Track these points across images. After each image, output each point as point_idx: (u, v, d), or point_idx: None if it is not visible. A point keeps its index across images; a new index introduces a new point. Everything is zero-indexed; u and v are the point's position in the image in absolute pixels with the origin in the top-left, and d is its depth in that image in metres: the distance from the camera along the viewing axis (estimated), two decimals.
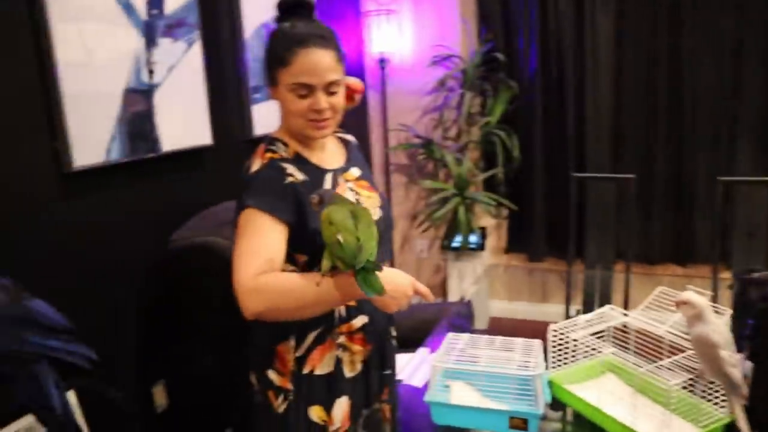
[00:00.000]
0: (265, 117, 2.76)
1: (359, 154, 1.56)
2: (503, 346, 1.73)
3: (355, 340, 1.43)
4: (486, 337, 1.79)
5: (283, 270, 1.31)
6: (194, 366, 2.21)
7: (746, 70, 3.17)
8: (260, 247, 1.26)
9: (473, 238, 3.60)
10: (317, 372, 1.40)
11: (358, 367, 1.44)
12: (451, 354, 1.71)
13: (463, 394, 1.60)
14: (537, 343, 1.72)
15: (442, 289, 3.88)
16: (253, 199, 1.29)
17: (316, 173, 1.39)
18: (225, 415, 2.16)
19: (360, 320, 1.42)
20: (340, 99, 1.34)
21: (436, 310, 2.93)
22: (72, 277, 1.92)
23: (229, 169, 2.50)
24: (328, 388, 1.40)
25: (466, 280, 3.69)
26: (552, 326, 1.66)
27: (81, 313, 1.93)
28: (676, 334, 1.48)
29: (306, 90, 1.30)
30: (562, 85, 3.46)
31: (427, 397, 1.57)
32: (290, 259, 1.34)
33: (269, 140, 1.42)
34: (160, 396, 2.28)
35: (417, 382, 1.85)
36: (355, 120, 3.64)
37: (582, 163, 3.48)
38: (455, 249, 3.61)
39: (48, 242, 1.84)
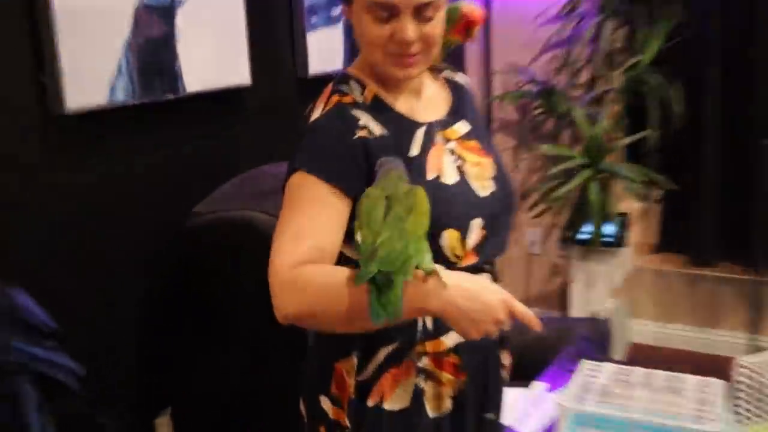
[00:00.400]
0: (326, 48, 2.76)
1: (472, 103, 1.57)
2: (667, 384, 1.69)
3: (444, 366, 1.44)
4: (640, 370, 1.75)
5: (337, 263, 1.32)
6: (219, 389, 2.25)
7: None
8: (308, 228, 1.29)
9: (609, 229, 3.58)
10: (387, 406, 1.42)
11: (447, 404, 1.45)
12: (588, 392, 1.68)
13: None
14: (717, 384, 1.67)
15: (561, 300, 3.89)
16: (307, 160, 1.33)
17: (402, 126, 1.42)
18: None
19: (452, 337, 1.43)
20: (436, 28, 1.34)
21: (556, 330, 2.91)
22: (58, 262, 1.97)
23: (274, 118, 2.54)
24: (400, 426, 1.42)
25: (596, 288, 3.67)
26: (741, 361, 1.63)
27: (68, 311, 1.97)
28: None
29: (387, 12, 1.31)
30: (754, 8, 3.31)
31: None
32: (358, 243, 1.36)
33: (340, 78, 1.46)
34: (164, 430, 2.33)
35: (528, 429, 1.87)
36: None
37: None
38: (582, 244, 3.61)
39: (27, 212, 1.89)
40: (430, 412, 1.44)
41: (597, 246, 3.57)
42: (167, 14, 2.17)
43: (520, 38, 3.73)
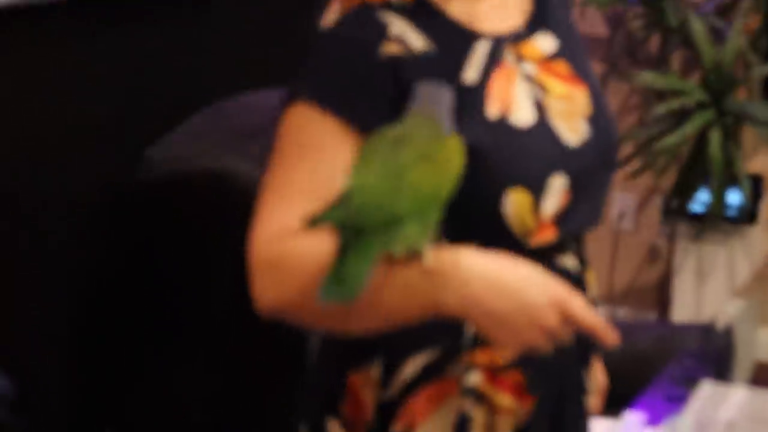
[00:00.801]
0: None
1: (563, 8, 1.57)
2: None
3: (502, 385, 1.45)
4: None
5: None
6: (179, 408, 2.29)
7: None
8: (307, 184, 1.32)
9: (735, 198, 3.62)
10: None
11: None
12: (707, 429, 1.74)
13: None
14: None
15: (660, 297, 3.94)
16: (312, 87, 1.36)
17: (456, 38, 1.42)
18: None
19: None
20: None
21: (652, 339, 2.94)
22: None
23: (266, 19, 2.52)
24: None
25: (712, 281, 3.71)
26: None
27: None
28: None
29: None
30: None
31: None
32: None
33: None
34: None
35: None
36: None
37: None
38: (695, 218, 3.68)
39: None
40: None
41: (717, 221, 3.60)
42: None
43: None
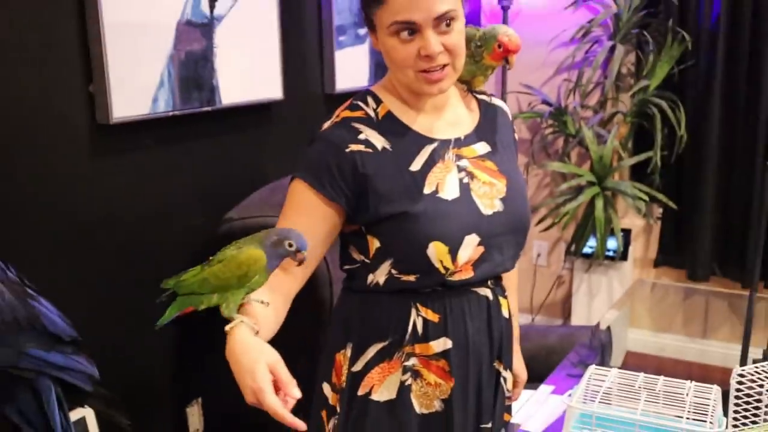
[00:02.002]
0: (352, 66, 2.77)
1: (505, 127, 1.52)
2: (667, 389, 1.67)
3: (432, 368, 1.43)
4: (643, 375, 1.73)
5: (344, 262, 1.46)
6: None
7: None
8: (293, 226, 1.32)
9: (612, 244, 3.56)
10: (374, 397, 1.43)
11: (436, 405, 1.44)
12: (594, 395, 1.66)
13: None
14: (715, 389, 1.66)
15: (564, 309, 3.87)
16: (302, 168, 1.36)
17: (409, 142, 1.39)
18: None
19: (441, 343, 1.42)
20: (457, 37, 1.31)
21: (558, 336, 2.92)
22: (95, 262, 1.98)
23: (302, 131, 2.54)
24: (388, 419, 1.42)
25: (598, 299, 3.66)
26: (738, 370, 1.60)
27: (105, 311, 2.00)
28: None
29: (409, 30, 1.29)
30: (758, 37, 3.30)
31: None
32: (361, 245, 1.40)
33: (360, 94, 1.45)
34: (195, 418, 2.34)
35: (534, 427, 1.86)
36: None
37: None
38: (586, 257, 3.60)
39: (72, 215, 1.91)
40: (418, 408, 1.43)
41: (600, 259, 3.55)
42: (207, 30, 2.18)
43: (534, 61, 3.72)
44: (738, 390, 1.61)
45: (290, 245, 1.22)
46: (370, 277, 1.42)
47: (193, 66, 2.15)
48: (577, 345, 2.66)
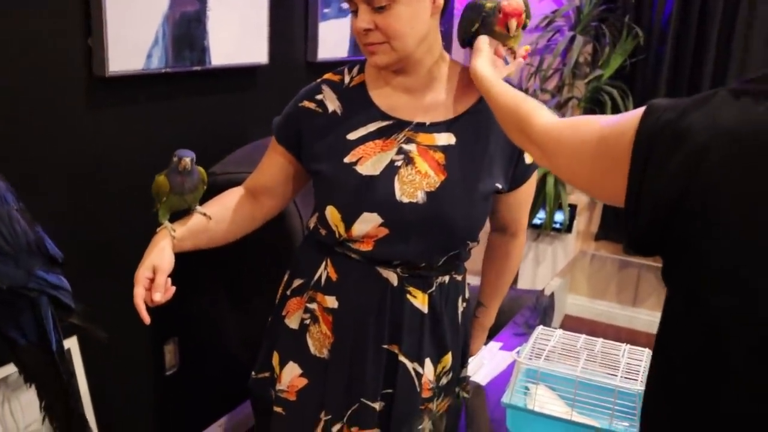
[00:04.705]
0: (334, 37, 2.73)
1: (488, 128, 1.38)
2: (604, 350, 1.71)
3: (324, 319, 1.44)
4: (584, 337, 1.77)
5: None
6: (216, 322, 2.26)
7: None
8: (258, 168, 1.50)
9: (559, 217, 3.59)
10: (287, 321, 1.48)
11: (324, 352, 1.44)
12: (540, 352, 1.70)
13: (548, 401, 1.60)
14: (644, 351, 1.70)
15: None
16: (276, 119, 1.48)
17: (363, 113, 1.37)
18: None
19: (332, 300, 1.42)
20: (394, 20, 1.26)
21: (507, 299, 2.94)
22: (86, 202, 1.95)
23: (284, 95, 2.45)
24: (292, 342, 1.46)
25: (543, 266, 3.70)
26: None
27: (94, 249, 1.98)
28: None
29: (353, 6, 1.29)
30: (703, 40, 3.33)
31: (506, 399, 1.56)
32: None
33: (354, 62, 1.46)
34: (171, 356, 2.34)
35: (481, 378, 1.87)
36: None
37: None
38: (535, 227, 3.62)
39: (65, 158, 1.87)
40: (312, 349, 1.44)
41: (548, 230, 3.59)
42: None
43: None
44: None
45: (175, 158, 1.32)
46: (309, 221, 1.50)
47: (186, 26, 2.09)
48: (523, 307, 2.70)
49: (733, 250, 0.76)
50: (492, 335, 2.15)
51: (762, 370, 0.75)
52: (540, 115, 1.11)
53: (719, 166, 0.76)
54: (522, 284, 3.71)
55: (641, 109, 0.87)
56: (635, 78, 3.51)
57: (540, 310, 2.84)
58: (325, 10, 2.67)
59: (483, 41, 1.35)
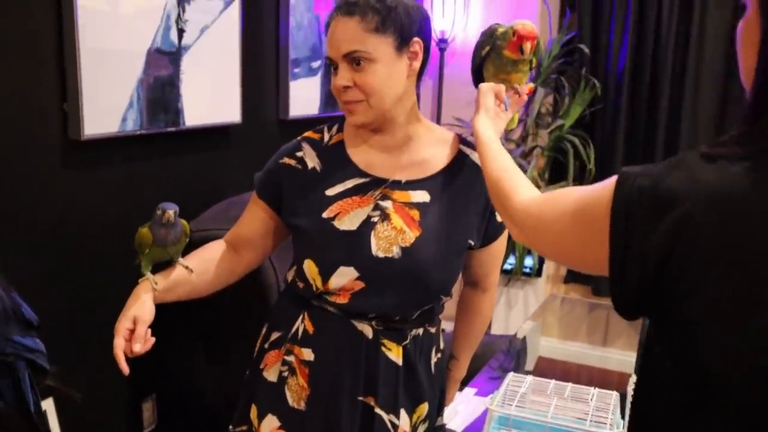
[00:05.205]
0: (305, 95, 2.78)
1: (472, 187, 1.41)
2: (574, 395, 1.72)
3: (301, 371, 1.43)
4: (554, 382, 1.78)
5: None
6: (194, 378, 2.23)
7: None
8: (239, 222, 1.51)
9: (529, 262, 3.60)
10: (265, 374, 1.47)
11: (302, 404, 1.43)
12: (511, 399, 1.71)
13: None
14: (614, 395, 1.72)
15: None
16: (258, 174, 1.49)
17: (341, 170, 1.40)
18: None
19: (307, 353, 1.42)
20: (371, 78, 1.29)
21: (481, 344, 2.95)
22: (65, 268, 1.95)
23: (258, 152, 2.54)
24: (270, 395, 1.45)
25: (515, 310, 3.70)
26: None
27: (71, 310, 1.96)
28: None
29: (332, 64, 1.33)
30: (656, 90, 3.43)
31: None
32: None
33: (334, 121, 1.49)
34: (149, 413, 2.30)
35: (456, 426, 1.87)
36: None
37: None
38: (506, 273, 3.62)
39: (41, 220, 1.87)
40: (290, 401, 1.43)
41: (518, 275, 3.60)
42: (174, 58, 2.17)
43: (467, 97, 3.66)
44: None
45: (159, 210, 1.33)
46: (287, 275, 1.50)
47: (160, 89, 2.13)
48: (498, 352, 2.71)
49: (717, 310, 0.76)
50: (467, 381, 2.16)
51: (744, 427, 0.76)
52: (519, 192, 1.10)
53: (703, 229, 0.76)
54: (495, 329, 3.70)
55: (614, 178, 0.87)
56: (595, 127, 3.59)
57: (513, 353, 2.85)
58: (296, 70, 2.73)
59: (486, 92, 1.37)
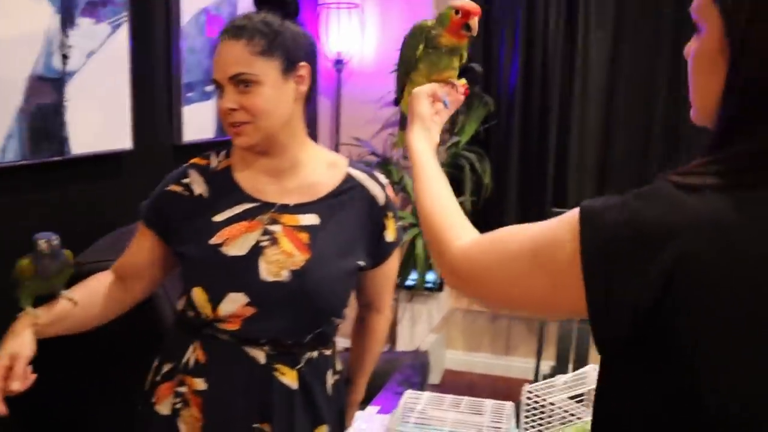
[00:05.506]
0: (199, 120, 2.74)
1: (359, 209, 1.43)
2: (470, 408, 1.75)
3: (194, 402, 1.41)
4: (450, 397, 1.81)
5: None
6: (84, 416, 2.15)
7: None
8: (127, 248, 1.50)
9: (431, 277, 3.64)
10: (158, 407, 1.44)
11: None
12: (410, 415, 1.72)
13: None
14: (509, 405, 1.75)
15: (390, 334, 3.88)
16: (145, 202, 1.48)
17: (229, 196, 1.40)
18: None
19: (199, 382, 1.40)
20: (258, 100, 1.31)
21: (383, 360, 2.95)
22: None
23: (152, 178, 2.44)
24: (164, 429, 1.43)
25: (419, 325, 3.73)
26: (527, 387, 1.70)
27: None
28: None
29: (219, 87, 1.34)
30: (545, 107, 3.58)
31: None
32: None
33: (221, 147, 1.48)
34: None
35: None
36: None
37: (562, 197, 3.59)
38: (409, 288, 3.65)
39: None
40: None
41: (421, 290, 3.63)
42: (58, 85, 2.09)
43: (364, 117, 3.79)
44: (527, 404, 1.71)
45: (36, 241, 1.30)
46: (178, 304, 1.47)
47: (43, 118, 2.05)
48: (401, 366, 2.73)
49: (723, 350, 0.71)
50: (370, 398, 2.16)
51: None
52: (455, 234, 0.99)
53: (704, 265, 0.70)
54: (401, 346, 3.73)
55: (572, 215, 0.79)
56: (490, 143, 3.70)
57: (417, 367, 2.87)
58: (189, 94, 2.69)
59: (418, 97, 1.23)
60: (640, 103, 3.51)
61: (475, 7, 1.24)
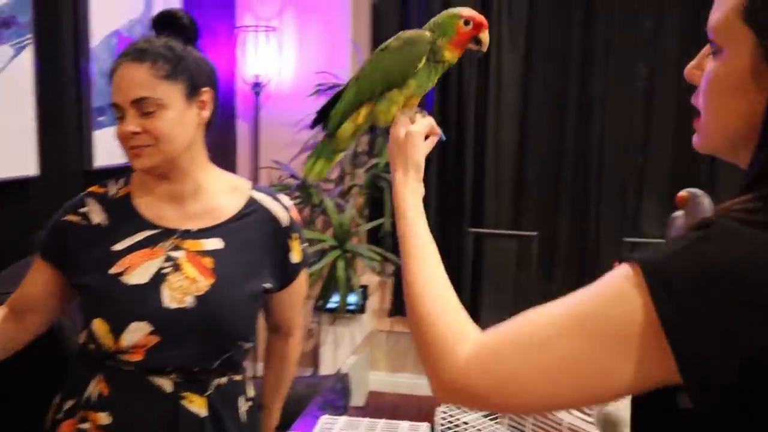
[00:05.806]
0: (111, 144, 2.67)
1: (260, 230, 1.42)
2: (386, 430, 1.76)
3: None
4: (367, 420, 1.82)
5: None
6: None
7: (656, 122, 3.53)
8: (24, 280, 1.43)
9: (353, 299, 3.65)
10: None
11: None
12: None
13: None
14: (424, 426, 1.77)
15: (313, 358, 3.87)
16: (42, 232, 1.43)
17: (129, 224, 1.37)
18: None
19: (103, 417, 1.36)
20: (162, 124, 1.29)
21: (305, 385, 2.93)
22: None
23: (61, 206, 2.39)
24: None
25: (342, 348, 3.72)
26: (441, 408, 1.72)
27: None
28: (576, 416, 1.58)
29: (119, 111, 1.32)
30: (461, 128, 3.66)
31: None
32: None
33: (120, 175, 1.46)
34: None
35: None
36: (221, 153, 3.60)
37: (479, 217, 3.67)
38: (331, 311, 3.65)
39: None
40: None
41: (343, 313, 3.63)
42: None
43: (283, 140, 3.78)
44: (442, 424, 1.74)
45: None
46: (79, 338, 1.43)
47: None
48: (323, 390, 2.71)
49: None
50: (289, 423, 2.14)
51: None
52: (458, 339, 0.79)
53: None
54: (324, 369, 3.71)
55: (621, 273, 0.68)
56: None
57: (339, 390, 2.85)
58: (100, 118, 2.62)
59: (415, 140, 1.03)
60: (551, 121, 3.63)
61: (484, 19, 1.10)
